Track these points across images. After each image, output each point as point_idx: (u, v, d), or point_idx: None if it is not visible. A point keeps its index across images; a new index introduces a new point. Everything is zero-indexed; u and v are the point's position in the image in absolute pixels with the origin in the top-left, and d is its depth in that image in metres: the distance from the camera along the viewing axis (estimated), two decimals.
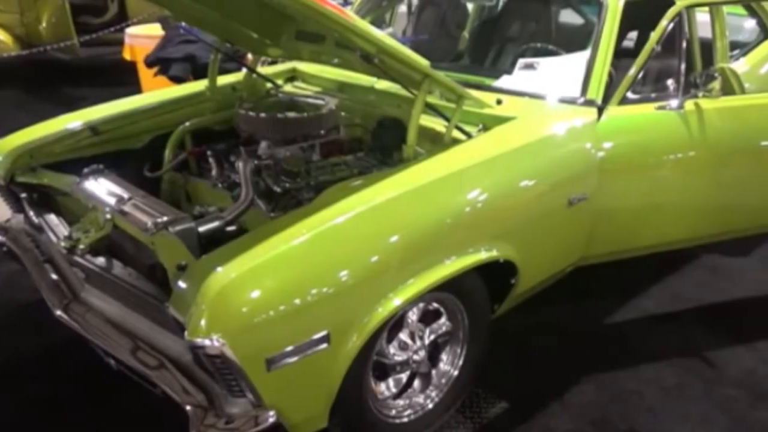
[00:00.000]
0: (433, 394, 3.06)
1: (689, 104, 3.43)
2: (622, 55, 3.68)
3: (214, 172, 3.35)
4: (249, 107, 3.25)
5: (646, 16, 3.59)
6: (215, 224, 2.65)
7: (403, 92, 3.14)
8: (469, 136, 3.10)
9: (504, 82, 3.60)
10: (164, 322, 2.50)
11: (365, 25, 2.69)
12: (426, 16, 5.27)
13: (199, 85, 3.92)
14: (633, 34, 4.64)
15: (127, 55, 7.77)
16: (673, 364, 3.55)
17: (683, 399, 3.32)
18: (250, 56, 4.08)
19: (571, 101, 3.32)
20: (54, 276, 3.02)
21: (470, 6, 5.07)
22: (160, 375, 2.45)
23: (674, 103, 3.41)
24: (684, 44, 3.57)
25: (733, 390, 3.38)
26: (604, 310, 4.02)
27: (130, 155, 3.51)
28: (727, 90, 3.58)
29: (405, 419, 2.98)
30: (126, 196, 2.85)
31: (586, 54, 3.41)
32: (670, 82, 3.51)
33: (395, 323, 2.76)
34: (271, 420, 2.31)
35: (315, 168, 3.17)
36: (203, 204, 3.13)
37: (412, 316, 2.86)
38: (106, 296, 2.83)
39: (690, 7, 3.64)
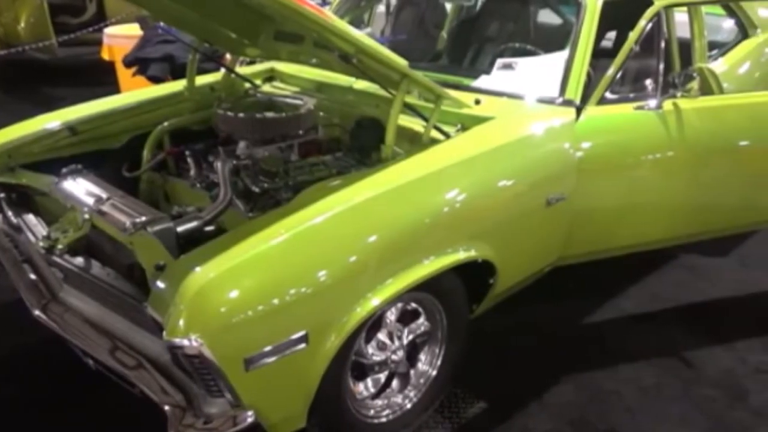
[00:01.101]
0: (412, 394, 3.06)
1: (668, 104, 3.44)
2: (601, 55, 3.69)
3: (192, 172, 3.35)
4: (227, 107, 3.24)
5: (624, 16, 3.61)
6: (193, 224, 2.64)
7: (382, 92, 3.14)
8: (447, 136, 3.10)
9: (482, 82, 3.60)
10: (142, 322, 2.49)
11: (344, 26, 2.69)
12: (404, 16, 5.26)
13: (178, 85, 3.91)
14: (611, 34, 4.65)
15: (105, 55, 7.73)
16: (651, 364, 3.56)
17: (661, 399, 3.33)
18: (228, 56, 4.07)
19: (550, 101, 3.33)
20: (32, 276, 3.01)
21: (449, 6, 5.08)
22: (139, 375, 2.44)
23: (653, 103, 3.42)
24: (662, 44, 3.59)
25: (712, 390, 3.40)
26: (583, 311, 4.03)
27: (108, 155, 3.50)
28: (706, 90, 3.59)
29: (383, 419, 2.98)
30: (104, 196, 2.84)
31: (564, 54, 3.42)
32: (648, 82, 3.52)
33: (374, 323, 2.76)
34: (250, 420, 2.31)
35: (293, 168, 3.16)
36: (182, 204, 3.11)
37: (391, 316, 2.87)
38: (85, 296, 2.82)
39: (668, 7, 3.67)
